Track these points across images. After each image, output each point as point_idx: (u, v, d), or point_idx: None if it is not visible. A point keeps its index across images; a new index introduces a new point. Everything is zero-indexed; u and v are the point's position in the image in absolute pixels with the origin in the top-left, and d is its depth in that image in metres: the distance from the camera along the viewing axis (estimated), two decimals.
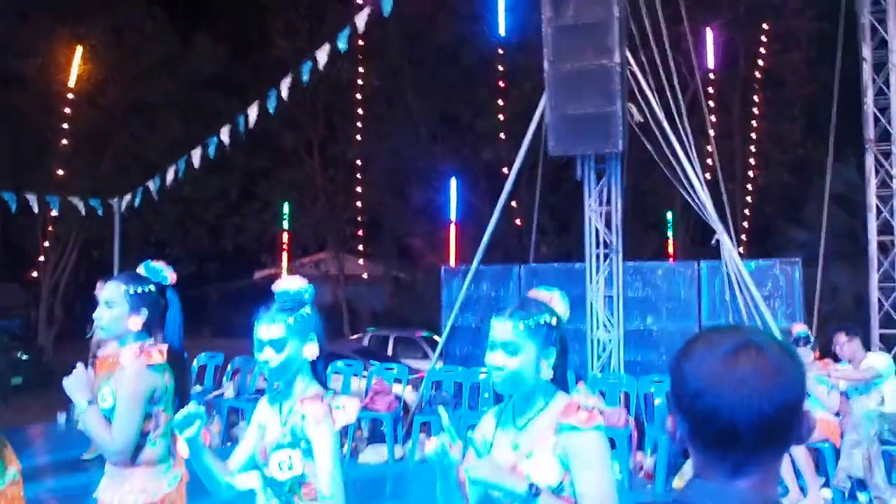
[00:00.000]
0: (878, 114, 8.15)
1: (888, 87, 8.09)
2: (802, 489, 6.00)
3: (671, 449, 6.88)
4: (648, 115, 7.75)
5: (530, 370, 1.98)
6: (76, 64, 17.39)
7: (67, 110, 17.43)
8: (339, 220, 21.40)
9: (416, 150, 19.13)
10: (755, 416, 1.04)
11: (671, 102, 7.84)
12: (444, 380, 8.29)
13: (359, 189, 20.90)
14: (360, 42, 16.98)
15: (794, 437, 1.10)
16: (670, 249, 20.07)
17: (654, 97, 7.73)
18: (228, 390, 8.80)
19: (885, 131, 8.11)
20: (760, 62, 19.00)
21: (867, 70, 8.16)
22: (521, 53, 17.29)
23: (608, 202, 8.12)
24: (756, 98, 19.19)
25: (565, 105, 7.47)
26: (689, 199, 7.75)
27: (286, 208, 22.25)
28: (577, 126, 7.44)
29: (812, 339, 6.49)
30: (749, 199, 19.08)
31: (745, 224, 18.64)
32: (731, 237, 7.62)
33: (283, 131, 19.47)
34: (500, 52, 18.58)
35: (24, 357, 13.76)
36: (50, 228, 18.26)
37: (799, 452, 5.94)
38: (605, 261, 8.07)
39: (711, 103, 17.05)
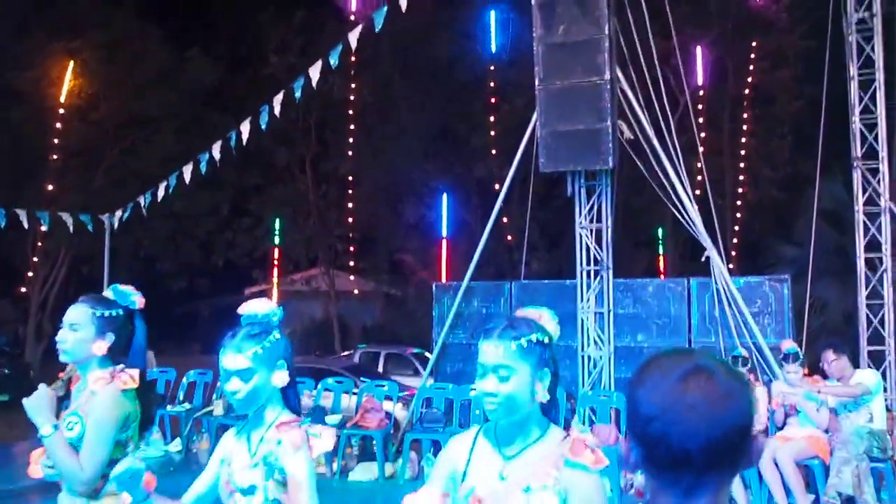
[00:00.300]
0: (865, 131, 8.23)
1: (874, 105, 8.17)
2: None
3: None
4: (638, 132, 7.80)
5: (525, 394, 1.86)
6: (67, 79, 17.39)
7: (59, 125, 17.41)
8: (330, 236, 21.39)
9: (408, 167, 19.17)
10: (705, 441, 1.06)
11: (661, 119, 7.89)
12: (434, 397, 8.26)
13: (350, 205, 20.92)
14: (353, 58, 17.07)
15: (745, 461, 1.11)
16: (661, 266, 20.14)
17: (644, 114, 7.78)
18: (217, 408, 8.74)
19: (872, 149, 8.19)
20: (749, 79, 19.19)
21: (854, 88, 8.25)
22: (512, 70, 17.42)
23: (598, 219, 8.14)
24: (745, 115, 19.36)
25: (556, 122, 7.51)
26: (679, 216, 7.78)
27: (277, 224, 22.23)
28: (568, 142, 7.48)
29: (801, 355, 6.51)
30: (739, 215, 19.19)
31: (735, 240, 18.73)
32: (720, 254, 7.65)
33: (276, 147, 19.50)
34: (492, 69, 18.71)
35: (11, 373, 13.65)
36: (39, 244, 18.17)
37: (789, 470, 5.94)
38: (595, 278, 8.08)
39: (701, 120, 17.19)
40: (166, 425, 9.03)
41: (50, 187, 16.72)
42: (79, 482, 2.42)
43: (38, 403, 2.46)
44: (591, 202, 8.19)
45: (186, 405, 9.06)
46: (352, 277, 23.52)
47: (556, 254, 17.45)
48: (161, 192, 9.54)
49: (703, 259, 7.68)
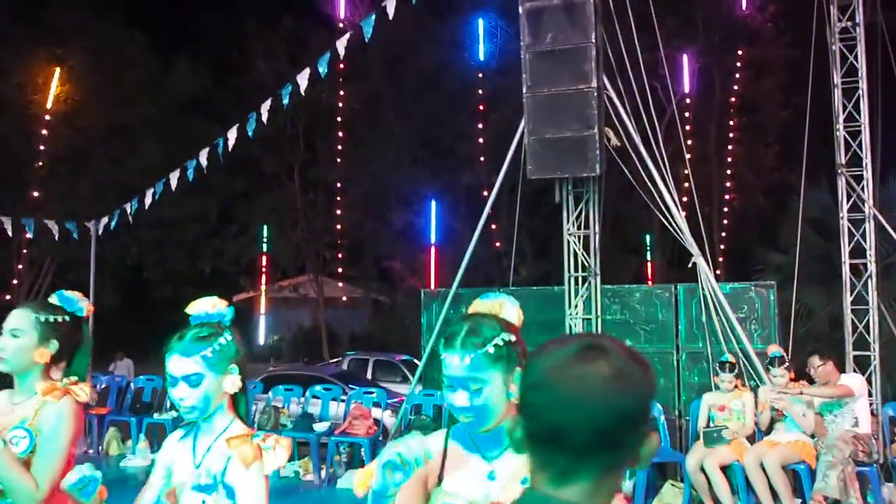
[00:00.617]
0: (849, 139, 8.31)
1: (858, 113, 8.25)
2: None
3: (650, 472, 6.89)
4: (625, 140, 7.84)
5: (501, 400, 1.74)
6: (53, 85, 17.32)
7: (45, 132, 17.32)
8: (318, 243, 21.36)
9: (397, 174, 19.19)
10: (582, 418, 1.01)
11: (648, 127, 7.94)
12: (423, 403, 8.25)
13: (339, 212, 20.90)
14: (342, 66, 17.09)
15: (631, 454, 1.05)
16: (649, 272, 20.23)
17: (631, 122, 7.83)
18: None
19: (856, 156, 8.27)
20: (735, 88, 19.36)
21: (838, 96, 8.33)
22: (500, 78, 17.50)
23: (586, 226, 8.18)
24: (731, 123, 19.53)
25: (543, 129, 7.55)
26: (666, 223, 7.83)
27: (266, 231, 22.18)
28: (555, 150, 7.51)
29: (787, 360, 6.55)
30: (725, 222, 19.33)
31: (722, 247, 18.86)
32: (707, 260, 7.70)
33: (264, 154, 19.48)
34: (480, 77, 18.79)
35: None
36: (25, 251, 18.03)
37: (776, 474, 5.97)
38: (583, 284, 8.11)
39: (688, 128, 17.32)
40: (153, 434, 8.97)
41: (35, 194, 16.62)
42: (31, 499, 2.24)
43: None
44: (578, 209, 8.22)
45: (173, 413, 9.00)
46: (340, 284, 23.49)
47: (544, 260, 17.49)
48: (148, 199, 9.50)
49: (689, 265, 7.73)
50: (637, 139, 7.75)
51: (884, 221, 8.18)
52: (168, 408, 9.16)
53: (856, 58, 8.24)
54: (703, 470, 6.27)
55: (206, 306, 2.13)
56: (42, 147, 17.43)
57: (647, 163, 7.67)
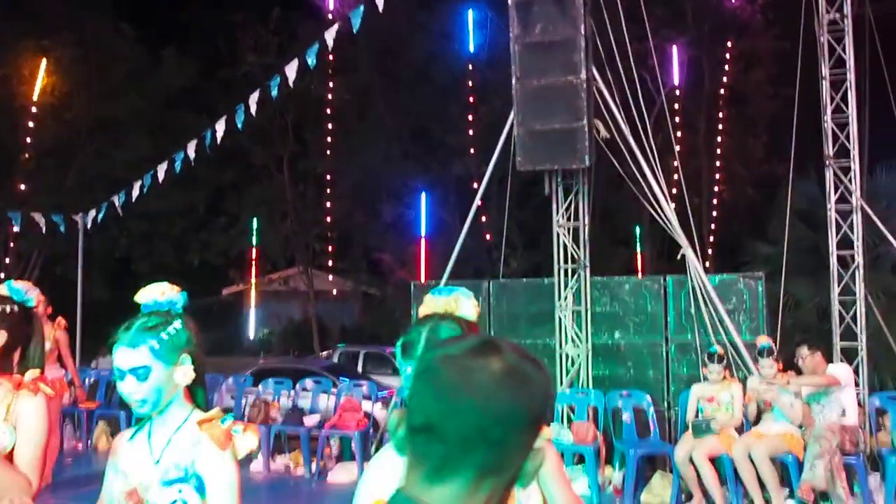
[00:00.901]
0: (837, 130, 8.34)
1: (846, 105, 8.28)
2: (767, 501, 6.07)
3: (639, 464, 6.92)
4: (615, 132, 7.84)
5: None
6: (40, 77, 17.17)
7: (31, 124, 17.17)
8: (308, 235, 21.30)
9: (387, 166, 19.15)
10: (464, 410, 0.96)
11: (637, 119, 7.94)
12: None
13: (328, 204, 20.85)
14: (331, 57, 17.00)
15: (511, 461, 0.98)
16: (638, 264, 20.29)
17: (621, 113, 7.83)
18: None
19: (844, 148, 8.30)
20: (725, 80, 19.39)
21: (826, 88, 8.35)
22: (490, 70, 17.45)
23: (576, 217, 8.18)
24: (721, 115, 19.56)
25: (533, 121, 7.53)
26: (655, 215, 7.84)
27: (255, 223, 22.10)
28: (545, 142, 7.50)
29: (775, 350, 6.59)
30: (714, 214, 19.39)
31: (711, 238, 18.92)
32: (696, 252, 7.72)
33: (253, 146, 19.38)
34: (471, 68, 18.74)
35: None
36: (12, 244, 17.91)
37: (764, 465, 6.01)
38: (573, 276, 8.11)
39: (677, 120, 17.35)
40: None
41: (22, 187, 16.49)
42: (26, 494, 2.22)
43: None
44: (568, 201, 8.22)
45: None
46: (330, 277, 23.45)
47: (534, 252, 17.50)
48: (136, 192, 9.44)
49: (678, 257, 7.75)
50: (626, 131, 7.75)
51: (871, 213, 8.23)
52: None
53: (844, 49, 8.26)
54: (691, 461, 6.30)
55: (156, 293, 2.02)
56: (28, 139, 17.29)
57: (637, 154, 7.68)
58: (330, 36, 8.03)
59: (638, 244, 20.64)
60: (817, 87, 8.49)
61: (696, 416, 6.57)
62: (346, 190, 20.32)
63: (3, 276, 18.37)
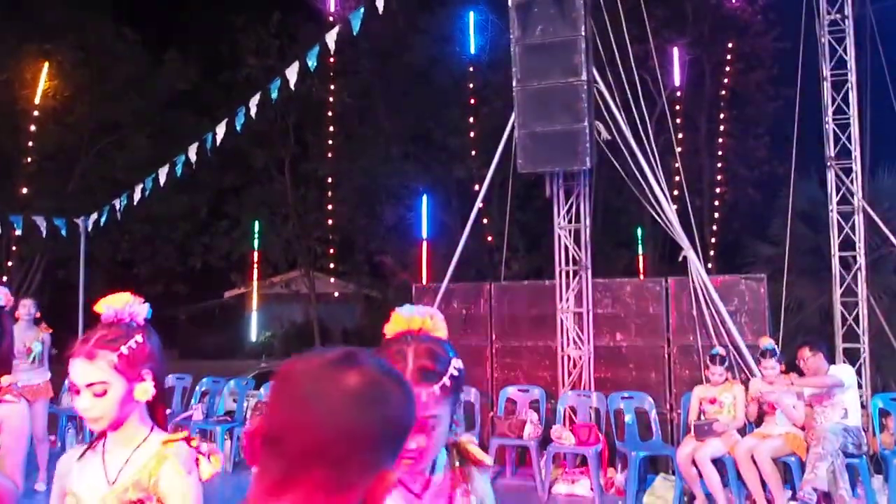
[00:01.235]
0: (838, 131, 8.33)
1: (847, 106, 8.27)
2: (770, 502, 6.05)
3: (642, 465, 6.91)
4: (615, 133, 7.84)
5: (445, 437, 1.50)
6: (41, 81, 17.19)
7: (33, 128, 17.19)
8: (309, 238, 21.30)
9: (388, 168, 19.14)
10: (302, 426, 0.92)
11: (638, 120, 7.94)
12: None
13: (330, 207, 20.84)
14: (332, 60, 17.01)
15: (354, 482, 0.93)
16: (640, 266, 20.27)
17: (622, 115, 7.82)
18: (197, 412, 8.67)
19: (845, 148, 8.29)
20: (726, 81, 19.37)
21: (827, 89, 8.35)
22: (491, 72, 17.45)
23: (577, 219, 8.17)
24: (722, 116, 19.53)
25: (534, 123, 7.53)
26: (657, 216, 7.83)
27: (256, 226, 22.10)
28: (546, 144, 7.50)
29: (778, 352, 6.58)
30: (716, 215, 19.36)
31: (713, 240, 18.90)
32: (698, 253, 7.71)
33: (254, 149, 19.39)
34: (471, 70, 18.73)
35: None
36: (14, 248, 17.93)
37: (766, 467, 6.00)
38: (574, 278, 8.11)
39: (678, 121, 17.34)
40: None
41: (24, 191, 16.50)
42: (14, 499, 2.20)
43: None
44: (569, 203, 8.22)
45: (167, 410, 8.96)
46: (332, 280, 23.44)
47: (536, 254, 17.48)
48: (137, 195, 9.44)
49: (680, 259, 7.74)
50: (627, 132, 7.74)
51: (873, 214, 8.21)
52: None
53: (845, 50, 8.25)
54: (694, 463, 6.29)
55: (117, 305, 1.90)
56: (30, 143, 17.31)
57: (638, 156, 7.67)
58: (331, 38, 8.04)
59: (639, 246, 20.61)
60: (819, 87, 8.49)
61: (699, 417, 6.56)
62: (348, 192, 20.31)
63: (5, 279, 18.40)
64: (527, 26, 7.58)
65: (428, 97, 18.80)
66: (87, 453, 1.91)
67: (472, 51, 18.58)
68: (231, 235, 21.60)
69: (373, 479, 0.93)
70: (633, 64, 8.12)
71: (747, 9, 18.34)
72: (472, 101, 18.70)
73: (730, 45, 19.06)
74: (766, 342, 6.60)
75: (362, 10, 7.88)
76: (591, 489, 6.90)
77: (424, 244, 19.19)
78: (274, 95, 8.36)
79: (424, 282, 15.86)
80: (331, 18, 18.06)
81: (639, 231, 20.18)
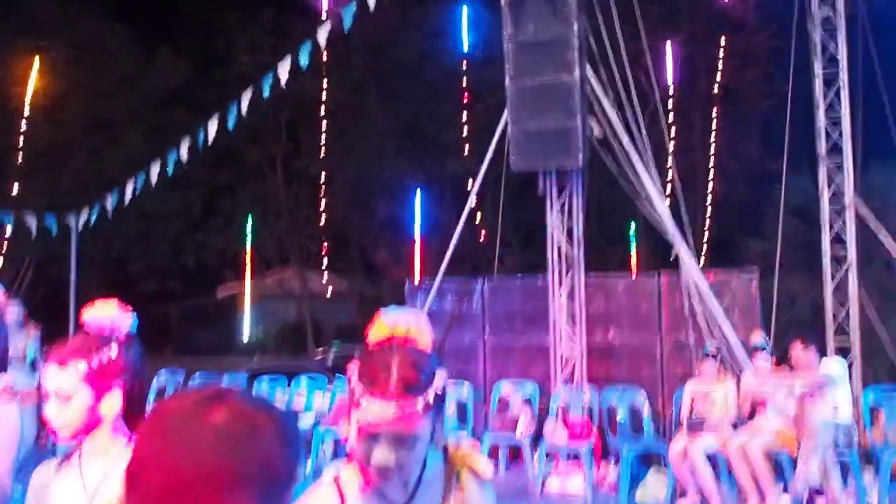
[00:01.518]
0: (830, 128, 8.37)
1: (839, 103, 8.31)
2: (762, 497, 6.08)
3: (634, 461, 6.93)
4: (608, 130, 7.85)
5: (426, 449, 1.46)
6: (33, 78, 17.11)
7: (24, 126, 17.12)
8: (302, 235, 21.27)
9: (381, 165, 19.13)
10: (158, 464, 0.88)
11: (631, 117, 7.95)
12: None
13: (323, 204, 20.82)
14: (325, 56, 16.98)
15: None
16: (634, 263, 20.31)
17: (615, 112, 7.84)
18: None
19: (837, 145, 8.33)
20: (719, 78, 19.42)
21: (818, 86, 8.38)
22: (484, 68, 17.44)
23: (570, 216, 8.19)
24: (715, 112, 19.59)
25: (526, 120, 7.54)
26: (648, 214, 7.85)
27: (249, 224, 22.06)
28: (538, 141, 7.51)
29: (770, 347, 6.60)
30: (709, 211, 19.42)
31: (706, 236, 18.96)
32: (691, 249, 7.73)
33: (247, 146, 19.35)
34: (464, 66, 18.73)
35: None
36: (5, 247, 17.85)
37: (759, 462, 6.02)
38: (567, 274, 8.12)
39: (672, 118, 17.37)
40: None
41: (15, 188, 16.43)
42: (4, 499, 2.19)
43: None
44: (562, 200, 8.23)
45: None
46: (325, 277, 23.41)
47: (529, 251, 17.49)
48: (128, 193, 9.41)
49: (672, 257, 7.76)
50: (620, 129, 7.76)
51: (864, 210, 8.25)
52: (152, 402, 9.10)
53: (836, 48, 8.28)
54: (686, 458, 6.31)
55: (100, 315, 1.83)
56: (21, 141, 17.24)
57: (631, 153, 7.68)
58: (322, 35, 8.03)
59: (632, 242, 20.66)
60: (811, 84, 8.52)
61: (691, 413, 6.58)
62: (341, 189, 20.30)
63: None
64: (519, 23, 7.59)
65: (421, 93, 18.80)
66: (62, 465, 1.83)
67: (466, 47, 18.58)
68: (224, 233, 21.55)
69: None
70: (626, 61, 8.13)
71: (740, 6, 18.38)
72: (466, 97, 18.70)
73: (723, 42, 19.11)
74: (757, 338, 6.63)
75: (354, 5, 7.87)
76: (584, 485, 6.92)
77: (418, 240, 19.19)
78: (266, 92, 8.34)
79: (418, 277, 15.86)
80: (324, 15, 18.02)
81: (632, 228, 20.22)
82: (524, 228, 17.22)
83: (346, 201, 20.41)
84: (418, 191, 19.42)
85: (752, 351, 6.59)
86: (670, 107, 18.01)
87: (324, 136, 20.16)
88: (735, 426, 6.54)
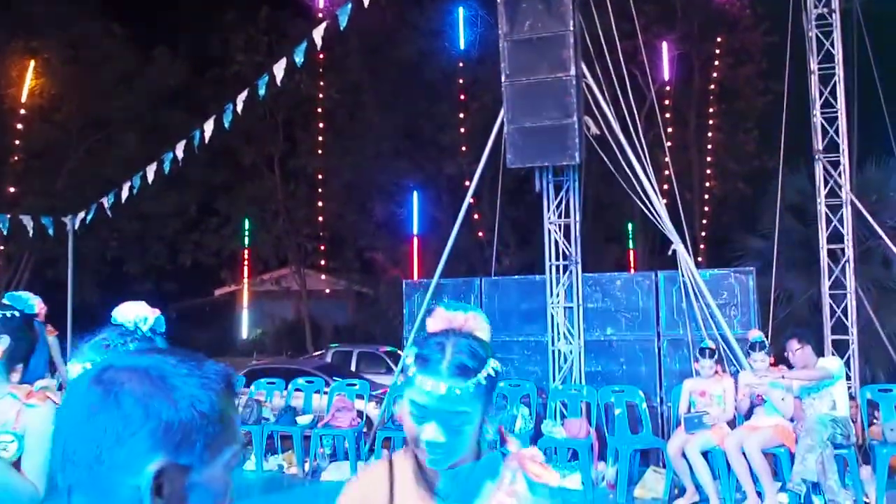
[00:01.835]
0: (826, 125, 8.37)
1: (835, 99, 8.31)
2: (760, 494, 6.09)
3: (632, 459, 6.94)
4: (605, 128, 7.85)
5: (474, 439, 1.50)
6: (28, 79, 17.07)
7: (20, 126, 17.08)
8: (300, 235, 21.26)
9: (378, 164, 19.11)
10: (63, 432, 0.89)
11: (627, 115, 7.95)
12: None
13: (320, 204, 20.80)
14: (321, 56, 16.96)
15: (115, 482, 0.86)
16: (631, 260, 20.33)
17: (610, 110, 7.83)
18: None
19: (833, 142, 8.33)
20: (715, 75, 19.44)
21: (814, 82, 8.39)
22: (481, 67, 17.44)
23: (567, 214, 8.19)
24: (711, 110, 19.61)
25: (523, 118, 7.53)
26: (646, 210, 7.85)
27: (247, 224, 22.03)
28: (535, 139, 7.51)
29: (767, 344, 6.61)
30: (706, 209, 19.44)
31: (703, 233, 18.98)
32: (687, 247, 7.73)
33: (244, 146, 19.33)
34: (461, 65, 18.72)
35: None
36: (2, 247, 17.81)
37: (756, 458, 6.03)
38: (564, 272, 8.12)
39: (668, 115, 17.38)
40: None
41: (12, 190, 16.39)
42: (34, 502, 2.24)
43: None
44: (559, 198, 8.23)
45: None
46: (322, 277, 23.40)
47: (527, 249, 17.51)
48: (125, 193, 9.39)
49: (669, 252, 7.76)
50: (616, 127, 7.75)
51: (861, 207, 8.26)
52: None
53: (832, 44, 8.29)
54: (684, 455, 6.32)
55: (128, 310, 1.95)
56: (17, 142, 17.20)
57: (627, 151, 7.68)
58: (318, 34, 8.01)
59: (629, 240, 20.67)
60: (806, 81, 8.52)
61: (689, 410, 6.59)
62: (338, 189, 20.28)
63: None
64: (515, 21, 7.58)
65: (418, 93, 18.78)
66: None
67: (462, 46, 18.57)
68: (221, 233, 21.53)
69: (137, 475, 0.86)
70: (621, 59, 8.13)
71: (736, 3, 18.41)
72: (462, 97, 18.69)
73: (719, 40, 19.12)
74: (755, 335, 6.63)
75: (349, 5, 7.86)
76: (582, 483, 6.92)
77: (415, 240, 19.18)
78: (262, 92, 8.33)
79: (415, 278, 15.86)
80: (319, 14, 18.01)
81: (629, 225, 20.24)
82: (521, 227, 17.23)
83: (343, 201, 20.40)
84: (415, 191, 19.41)
85: (749, 348, 6.59)
86: (666, 104, 18.02)
87: (321, 136, 20.14)
88: (733, 423, 6.55)
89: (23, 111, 17.20)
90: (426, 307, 8.48)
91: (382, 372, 12.72)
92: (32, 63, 17.26)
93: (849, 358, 7.86)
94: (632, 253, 20.70)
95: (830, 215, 8.33)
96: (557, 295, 8.08)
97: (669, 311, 7.71)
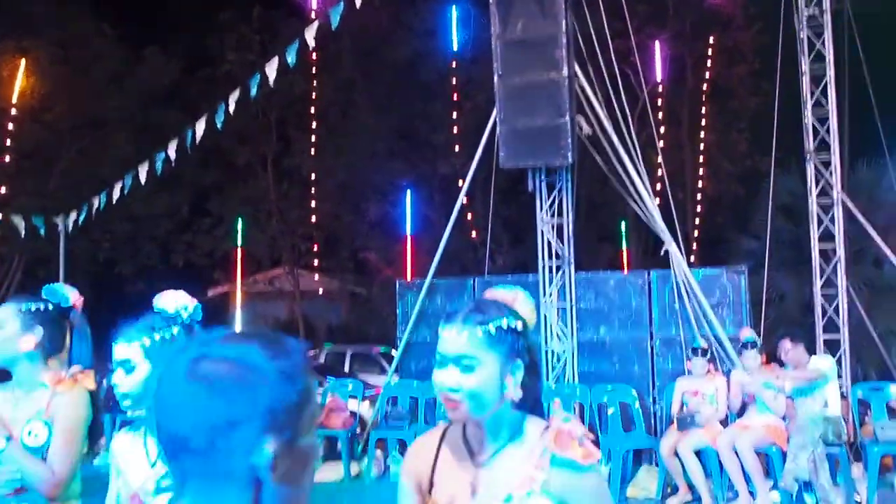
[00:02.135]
0: (818, 125, 8.41)
1: (826, 100, 8.35)
2: (752, 493, 6.11)
3: (625, 458, 6.95)
4: (597, 128, 7.86)
5: (493, 390, 1.56)
6: (19, 78, 16.98)
7: (11, 126, 16.99)
8: (293, 235, 21.20)
9: (371, 164, 19.09)
10: (171, 424, 0.96)
11: (619, 115, 7.97)
12: (399, 395, 8.25)
13: (313, 204, 20.75)
14: (314, 56, 16.93)
15: (237, 464, 0.94)
16: (624, 260, 20.36)
17: (603, 110, 7.85)
18: None
19: (824, 142, 8.37)
20: (707, 75, 19.48)
21: (805, 82, 8.42)
22: (474, 67, 17.43)
23: (560, 214, 8.20)
24: (703, 110, 19.65)
25: (515, 118, 7.54)
26: (638, 210, 7.87)
27: (239, 224, 21.95)
28: (527, 139, 7.52)
29: (759, 344, 6.64)
30: (698, 208, 19.48)
31: (696, 233, 19.02)
32: (680, 247, 7.75)
33: (237, 146, 19.27)
34: (454, 66, 18.71)
35: None
36: None
37: (748, 457, 6.05)
38: (557, 272, 8.13)
39: (660, 115, 17.42)
40: None
41: (3, 190, 16.31)
42: (52, 487, 2.32)
43: None
44: (552, 197, 8.24)
45: None
46: (316, 277, 23.34)
47: (520, 249, 17.50)
48: (116, 194, 9.36)
49: (662, 253, 7.78)
50: (609, 127, 7.77)
51: (852, 206, 8.30)
52: None
53: (823, 44, 8.32)
54: (677, 454, 6.33)
55: (168, 299, 2.12)
56: (8, 142, 17.11)
57: (620, 151, 7.70)
58: (310, 34, 8.00)
59: (622, 240, 20.70)
60: (798, 81, 8.55)
61: (681, 409, 6.61)
62: (331, 189, 20.24)
63: None
64: (508, 22, 7.59)
65: (411, 93, 18.77)
66: (134, 434, 2.07)
67: (455, 47, 18.56)
68: (214, 233, 21.44)
69: (250, 458, 0.94)
70: (614, 59, 8.15)
71: (728, 3, 18.45)
72: (456, 97, 18.69)
73: (711, 40, 19.17)
74: (747, 334, 6.66)
75: (342, 5, 7.85)
76: None
77: (409, 240, 19.17)
78: (254, 92, 8.31)
79: (409, 278, 15.85)
80: (312, 14, 17.97)
81: (622, 225, 20.27)
82: (514, 227, 17.23)
83: (336, 201, 20.36)
84: (408, 191, 19.39)
85: (741, 347, 6.62)
86: (659, 104, 18.06)
87: (314, 136, 20.10)
88: (725, 422, 6.57)
89: (13, 111, 17.11)
90: (419, 307, 8.48)
91: (376, 372, 12.72)
92: (23, 63, 17.16)
93: (840, 357, 7.90)
94: (625, 253, 20.73)
95: (822, 215, 8.36)
96: (550, 294, 8.09)
97: (662, 310, 7.73)
